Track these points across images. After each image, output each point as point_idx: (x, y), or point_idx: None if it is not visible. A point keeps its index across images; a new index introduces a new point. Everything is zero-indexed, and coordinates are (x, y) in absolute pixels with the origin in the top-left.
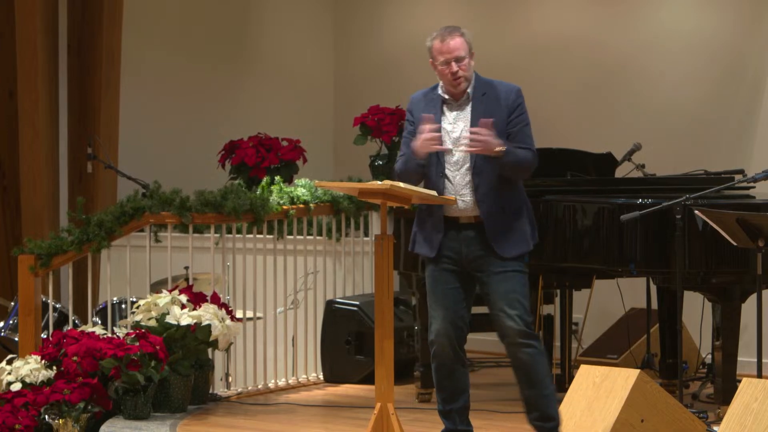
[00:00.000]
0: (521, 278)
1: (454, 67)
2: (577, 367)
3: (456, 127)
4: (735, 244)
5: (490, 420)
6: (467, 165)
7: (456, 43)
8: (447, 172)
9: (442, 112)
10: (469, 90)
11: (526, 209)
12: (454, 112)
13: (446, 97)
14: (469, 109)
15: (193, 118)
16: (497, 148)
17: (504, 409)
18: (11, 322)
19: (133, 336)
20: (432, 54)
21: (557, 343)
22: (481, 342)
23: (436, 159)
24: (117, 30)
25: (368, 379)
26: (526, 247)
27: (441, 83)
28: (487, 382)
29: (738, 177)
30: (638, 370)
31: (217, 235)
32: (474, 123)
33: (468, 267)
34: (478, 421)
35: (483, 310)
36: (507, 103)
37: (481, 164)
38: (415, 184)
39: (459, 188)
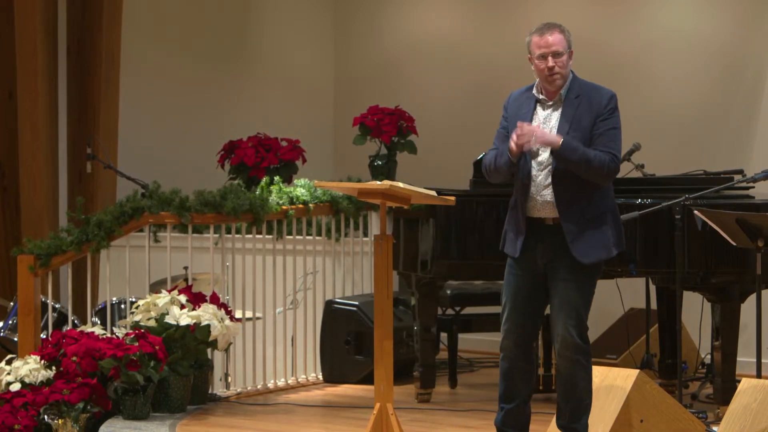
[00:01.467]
0: (587, 288)
1: (551, 62)
2: None
3: (545, 127)
4: (734, 244)
5: (489, 420)
6: (550, 166)
7: (555, 38)
8: (532, 172)
9: (534, 112)
10: (562, 91)
11: (611, 216)
12: (546, 112)
13: (540, 96)
14: (560, 110)
15: (193, 118)
16: (549, 139)
17: None
18: (11, 322)
19: (132, 336)
20: (530, 48)
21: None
22: (480, 342)
23: (523, 158)
24: (117, 30)
25: (367, 379)
26: (606, 254)
27: (536, 82)
28: (487, 382)
29: (737, 177)
30: (638, 370)
31: (216, 235)
32: (563, 125)
33: (542, 269)
34: (477, 421)
35: (482, 310)
36: (598, 107)
37: (562, 167)
38: (502, 180)
39: (540, 188)
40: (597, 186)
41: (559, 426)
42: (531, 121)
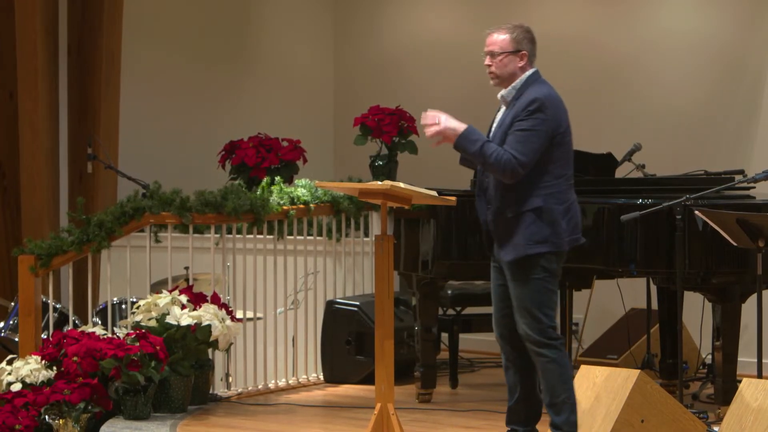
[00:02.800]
0: (531, 284)
1: (487, 60)
2: (578, 368)
3: (494, 128)
4: (735, 244)
5: (490, 420)
6: None
7: (493, 38)
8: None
9: (499, 110)
10: (504, 93)
11: (537, 214)
12: (499, 113)
13: (499, 97)
14: (504, 111)
15: (193, 118)
16: (434, 130)
17: (504, 410)
18: (11, 322)
19: (133, 336)
20: None
21: None
22: (480, 342)
23: None
24: (117, 30)
25: (368, 380)
26: (521, 252)
27: None
28: (487, 382)
29: (738, 177)
30: (638, 371)
31: (217, 236)
32: (496, 128)
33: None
34: (478, 421)
35: (483, 310)
36: (519, 108)
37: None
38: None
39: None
40: (523, 185)
41: (549, 424)
42: (494, 121)
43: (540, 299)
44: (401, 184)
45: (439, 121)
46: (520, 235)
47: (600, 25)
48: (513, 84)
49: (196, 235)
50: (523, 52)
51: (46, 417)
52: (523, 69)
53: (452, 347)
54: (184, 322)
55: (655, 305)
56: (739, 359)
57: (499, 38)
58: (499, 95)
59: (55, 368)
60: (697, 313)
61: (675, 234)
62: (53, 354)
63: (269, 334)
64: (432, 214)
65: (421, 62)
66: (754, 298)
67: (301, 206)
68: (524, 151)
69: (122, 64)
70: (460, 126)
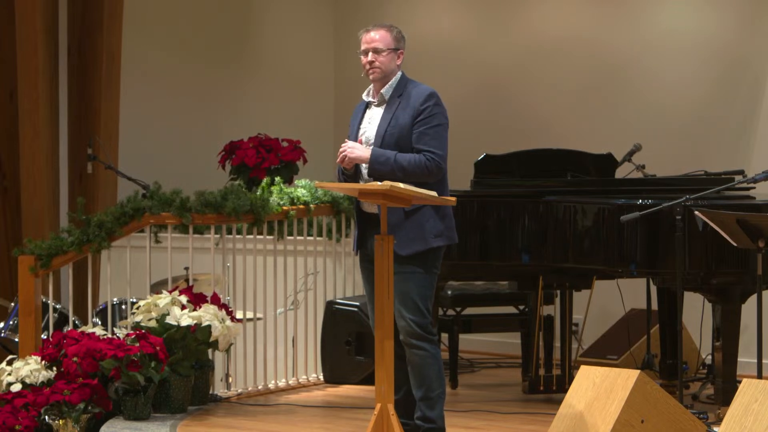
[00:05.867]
0: (421, 279)
1: (370, 56)
2: (577, 368)
3: (370, 126)
4: (735, 244)
5: (490, 420)
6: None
7: (376, 34)
8: (360, 167)
9: (364, 114)
10: (383, 91)
11: (433, 210)
12: (372, 112)
13: (368, 99)
14: (383, 109)
15: (194, 118)
16: (357, 155)
17: (504, 410)
18: (11, 322)
19: (133, 337)
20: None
21: (557, 344)
22: (481, 342)
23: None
24: (117, 30)
25: (368, 380)
26: (423, 246)
27: (369, 87)
28: (487, 383)
29: (738, 177)
30: (638, 371)
31: (217, 236)
32: (382, 123)
33: None
34: (478, 421)
35: (483, 311)
36: (415, 104)
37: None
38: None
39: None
40: (418, 182)
41: (416, 418)
42: (360, 123)
43: (427, 294)
44: (401, 185)
45: (346, 153)
46: (421, 229)
47: (600, 25)
48: (389, 83)
49: (196, 235)
50: (401, 50)
51: (46, 417)
52: (398, 67)
53: (452, 347)
54: (184, 323)
55: (655, 305)
56: (739, 359)
57: (383, 35)
58: (368, 95)
59: (55, 368)
60: (697, 313)
61: (675, 234)
62: (53, 354)
63: (269, 334)
64: None
65: (421, 62)
66: (754, 298)
67: (301, 206)
68: (440, 146)
69: (122, 64)
70: (366, 153)
